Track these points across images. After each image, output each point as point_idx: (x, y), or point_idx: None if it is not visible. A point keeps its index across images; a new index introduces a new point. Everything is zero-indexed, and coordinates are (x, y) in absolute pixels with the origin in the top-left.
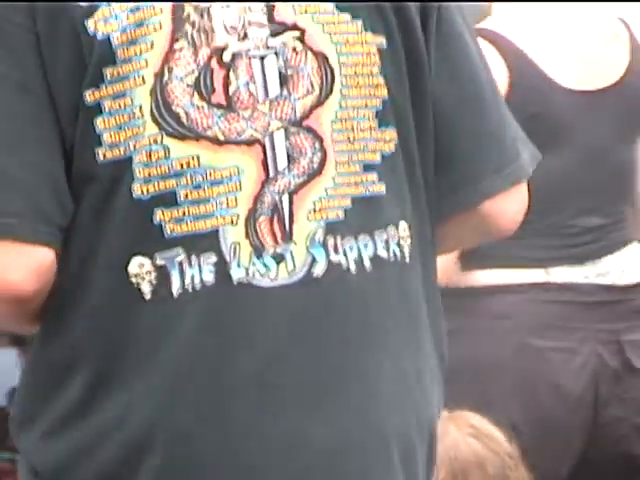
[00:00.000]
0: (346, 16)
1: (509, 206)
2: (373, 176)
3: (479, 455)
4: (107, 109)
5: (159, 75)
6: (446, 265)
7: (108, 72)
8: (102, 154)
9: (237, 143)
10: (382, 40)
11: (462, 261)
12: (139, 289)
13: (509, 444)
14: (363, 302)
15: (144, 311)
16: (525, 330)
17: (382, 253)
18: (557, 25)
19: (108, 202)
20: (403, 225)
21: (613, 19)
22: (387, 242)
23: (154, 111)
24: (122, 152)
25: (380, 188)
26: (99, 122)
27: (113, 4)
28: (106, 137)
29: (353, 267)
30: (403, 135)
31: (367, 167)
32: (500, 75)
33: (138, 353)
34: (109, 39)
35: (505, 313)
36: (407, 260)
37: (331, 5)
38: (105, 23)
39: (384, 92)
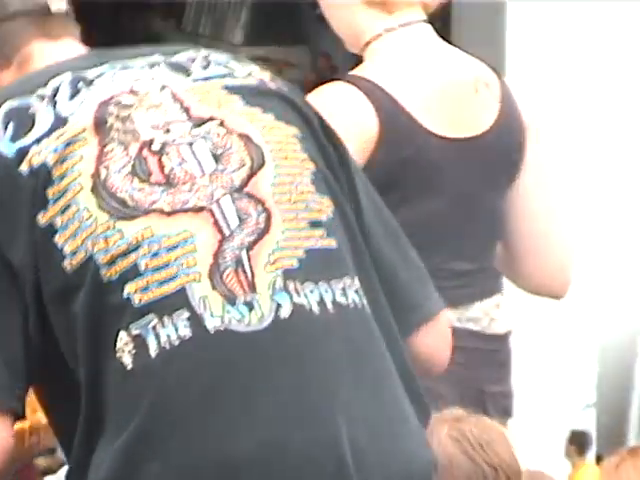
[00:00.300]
0: (257, 109)
1: (436, 335)
2: (321, 231)
3: (449, 454)
4: (60, 224)
5: (96, 175)
6: None
7: (50, 192)
8: (69, 264)
9: (184, 211)
10: (296, 131)
11: None
12: (121, 362)
13: (510, 460)
14: (331, 339)
15: (128, 380)
16: None
17: (341, 300)
18: (428, 73)
19: (90, 298)
20: (357, 279)
21: (483, 68)
22: (344, 290)
23: (101, 204)
24: (84, 254)
25: (330, 242)
26: (57, 238)
27: (42, 142)
28: (67, 248)
29: (316, 308)
30: (337, 204)
31: (314, 224)
32: (369, 121)
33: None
34: (45, 163)
35: None
36: (367, 310)
37: (241, 103)
38: (39, 155)
39: (311, 165)
